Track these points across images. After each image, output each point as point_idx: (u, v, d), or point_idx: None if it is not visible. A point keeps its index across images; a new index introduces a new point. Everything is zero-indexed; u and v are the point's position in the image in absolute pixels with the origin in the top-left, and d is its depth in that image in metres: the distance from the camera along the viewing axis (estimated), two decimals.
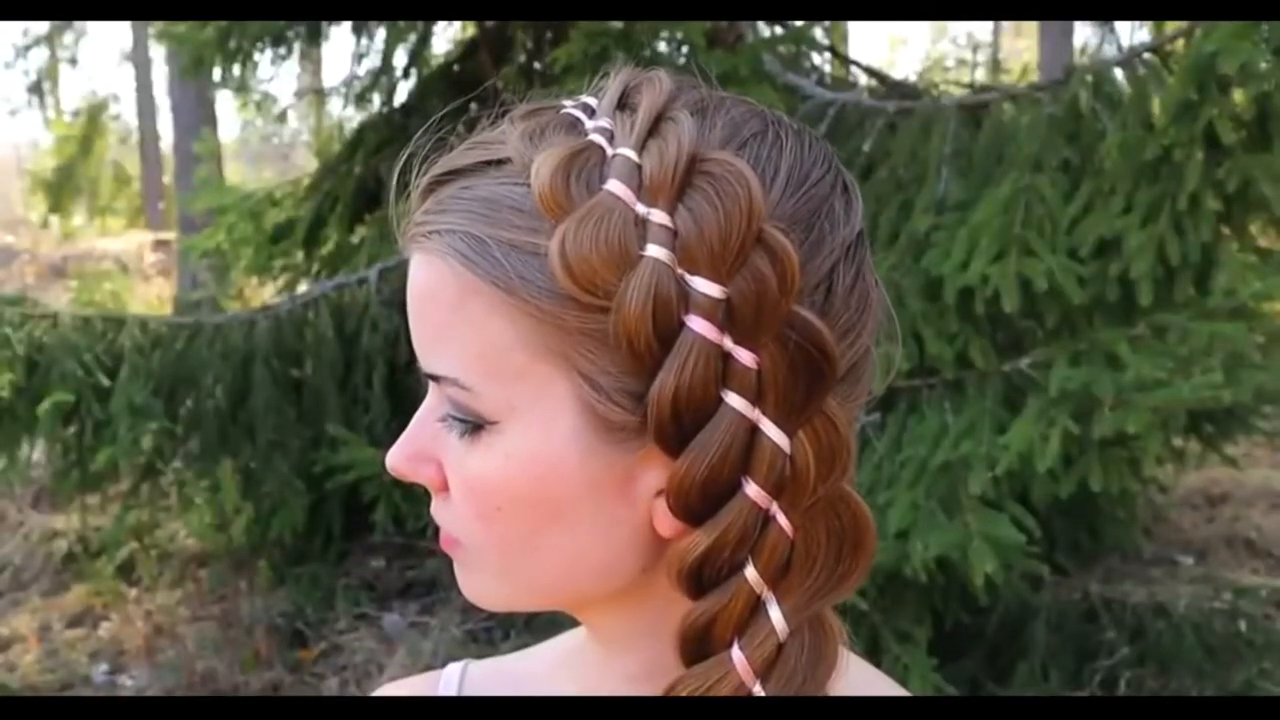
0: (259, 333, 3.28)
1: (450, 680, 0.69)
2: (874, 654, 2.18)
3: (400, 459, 0.56)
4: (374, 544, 3.35)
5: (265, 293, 4.33)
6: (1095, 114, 2.49)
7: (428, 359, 0.53)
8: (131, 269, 7.27)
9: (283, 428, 3.19)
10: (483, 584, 0.56)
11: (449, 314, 0.51)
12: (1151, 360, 2.10)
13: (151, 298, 5.76)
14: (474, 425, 0.52)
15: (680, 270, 0.48)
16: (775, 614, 0.50)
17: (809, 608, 0.50)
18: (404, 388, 3.21)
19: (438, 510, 0.56)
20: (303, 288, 3.61)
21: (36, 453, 3.49)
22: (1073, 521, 3.00)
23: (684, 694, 0.51)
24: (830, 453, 0.50)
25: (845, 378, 0.52)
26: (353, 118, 4.25)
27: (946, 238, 2.34)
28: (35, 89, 15.52)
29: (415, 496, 2.92)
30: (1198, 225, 2.20)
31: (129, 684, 3.12)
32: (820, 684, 0.51)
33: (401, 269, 0.56)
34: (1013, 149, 2.50)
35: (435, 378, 0.53)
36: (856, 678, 0.62)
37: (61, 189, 11.69)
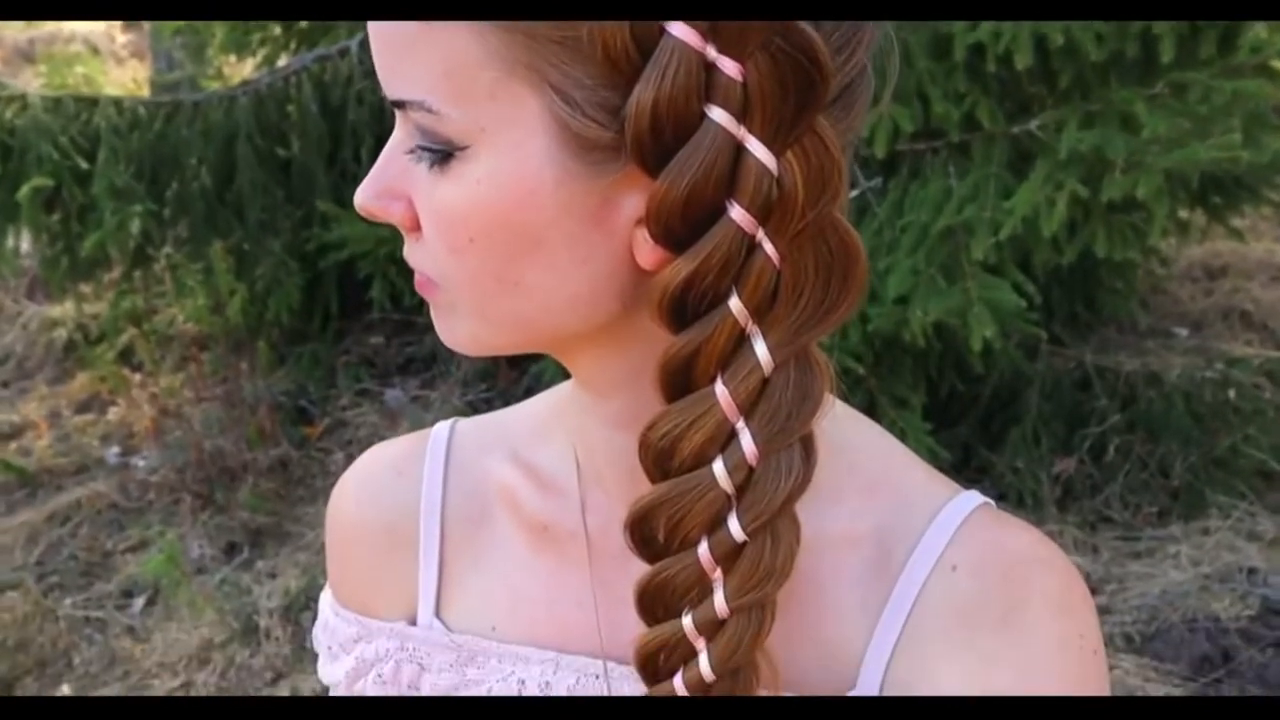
0: (240, 110, 3.17)
1: (439, 438, 0.68)
2: (870, 419, 2.20)
3: (368, 197, 0.52)
4: (372, 321, 3.36)
5: (245, 71, 4.16)
6: None
7: (391, 83, 0.50)
8: (103, 51, 6.98)
9: (272, 207, 3.13)
10: (460, 326, 0.54)
11: (414, 31, 0.47)
12: (1168, 120, 2.02)
13: (126, 81, 5.54)
14: (443, 154, 0.49)
15: None
16: (760, 348, 0.48)
17: (795, 341, 0.48)
18: None
19: (410, 252, 0.53)
20: (283, 62, 3.45)
21: (24, 243, 3.45)
22: (1071, 292, 3.00)
23: (663, 431, 0.49)
24: (820, 175, 0.46)
25: (838, 99, 0.48)
26: None
27: None
28: None
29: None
30: None
31: (141, 464, 3.20)
32: (805, 421, 0.49)
33: None
34: None
35: (401, 104, 0.49)
36: (850, 429, 0.60)
37: None
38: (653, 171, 0.46)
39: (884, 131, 2.13)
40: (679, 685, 0.53)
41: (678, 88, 0.44)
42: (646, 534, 0.51)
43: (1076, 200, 2.06)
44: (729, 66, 0.44)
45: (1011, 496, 2.60)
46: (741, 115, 0.45)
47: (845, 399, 0.61)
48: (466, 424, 0.69)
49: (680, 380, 0.49)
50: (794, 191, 0.46)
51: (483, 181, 0.49)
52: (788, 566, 0.50)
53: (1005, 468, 2.64)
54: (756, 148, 0.45)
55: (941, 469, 0.62)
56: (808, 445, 0.50)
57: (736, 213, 0.46)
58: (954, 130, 2.24)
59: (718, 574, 0.50)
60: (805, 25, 0.44)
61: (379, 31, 0.50)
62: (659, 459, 0.50)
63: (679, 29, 0.44)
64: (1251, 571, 2.41)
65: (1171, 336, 3.46)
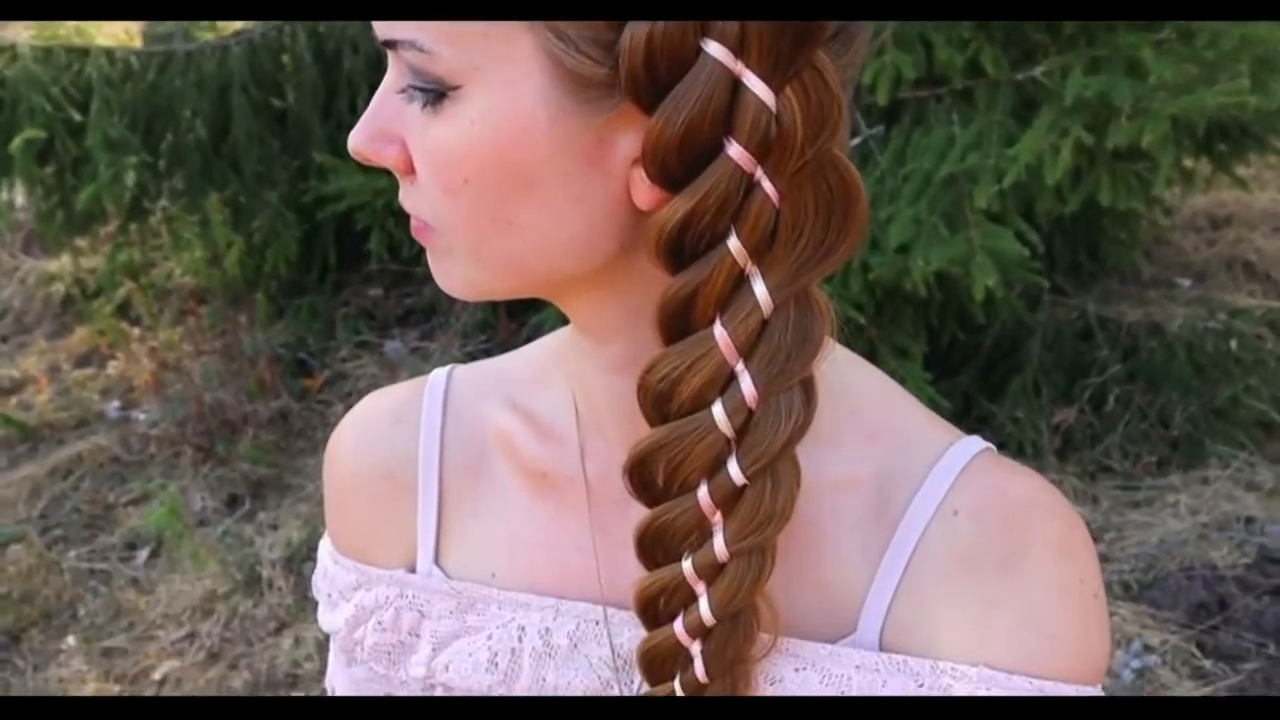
0: (234, 59, 3.13)
1: (437, 385, 0.68)
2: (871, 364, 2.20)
3: (361, 140, 0.52)
4: (370, 273, 3.34)
5: (238, 21, 4.10)
6: None
7: (387, 24, 0.48)
8: None
9: (268, 159, 3.10)
10: (457, 270, 0.53)
11: None
12: (1175, 65, 1.99)
13: (118, 31, 5.46)
14: (436, 94, 0.48)
15: None
16: (760, 288, 0.47)
17: (795, 282, 0.47)
18: None
19: (405, 196, 0.53)
20: None
21: (19, 196, 3.43)
22: (1074, 242, 2.98)
23: (662, 373, 0.48)
24: (820, 111, 0.45)
25: (837, 36, 0.47)
26: None
27: None
28: None
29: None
30: None
31: (141, 418, 3.20)
32: (806, 364, 0.48)
33: None
34: None
35: (392, 44, 0.48)
36: (851, 374, 0.59)
37: None
38: (648, 108, 0.45)
39: (886, 79, 2.10)
40: (679, 629, 0.53)
41: (672, 21, 0.44)
42: (646, 478, 0.50)
43: (1081, 148, 2.04)
44: None
45: (1011, 446, 2.60)
46: (739, 50, 0.44)
47: (848, 346, 0.60)
48: (464, 370, 0.69)
49: (679, 322, 0.48)
50: (793, 128, 0.45)
51: (476, 121, 0.48)
52: (788, 510, 0.50)
53: (1005, 417, 2.65)
54: (754, 83, 0.44)
55: (942, 418, 0.62)
56: (808, 388, 0.49)
57: (734, 150, 0.45)
58: (958, 77, 2.20)
59: (717, 517, 0.50)
60: None
61: None
62: (657, 402, 0.49)
63: None
64: (1249, 521, 2.42)
65: (1174, 287, 3.44)
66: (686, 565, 0.51)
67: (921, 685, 0.54)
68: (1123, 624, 2.15)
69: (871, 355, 2.24)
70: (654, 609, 0.53)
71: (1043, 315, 2.77)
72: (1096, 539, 2.39)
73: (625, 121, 0.47)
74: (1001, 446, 2.70)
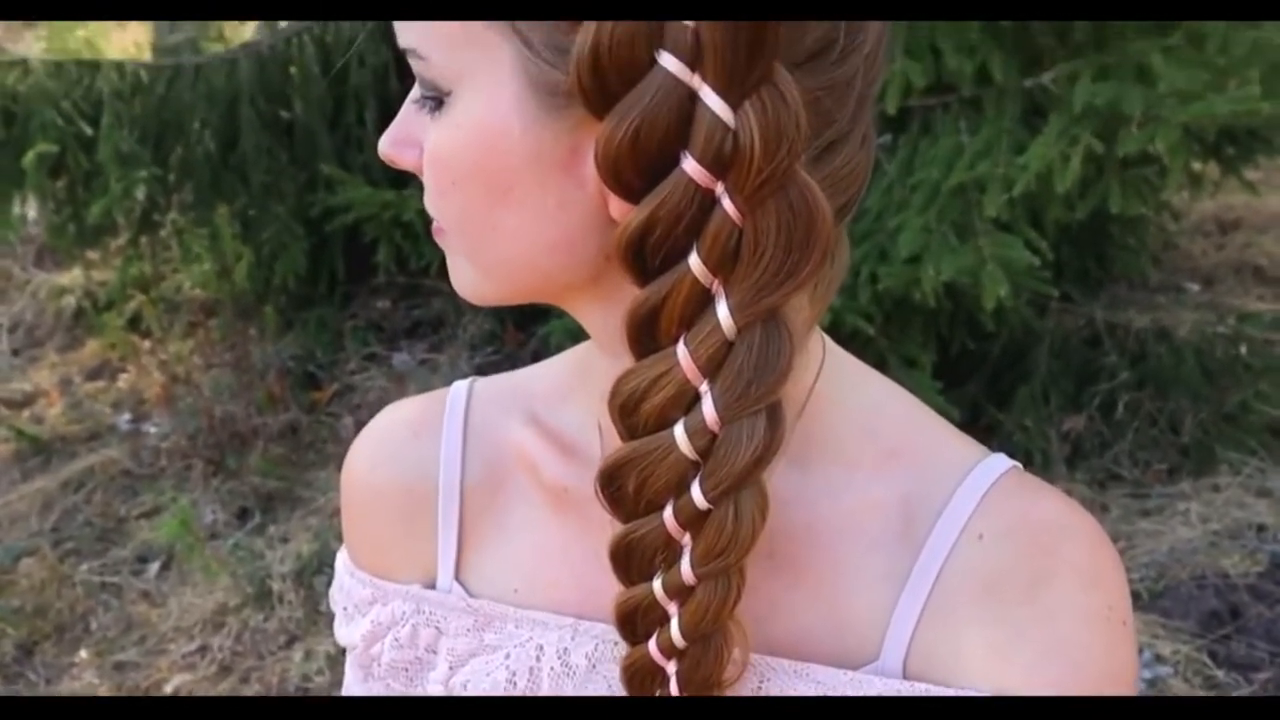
0: (242, 72, 3.14)
1: (457, 398, 0.67)
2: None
3: (386, 144, 0.55)
4: (378, 285, 3.35)
5: (247, 33, 4.12)
6: None
7: (399, 33, 0.51)
8: None
9: (276, 171, 3.12)
10: (462, 272, 0.55)
11: None
12: (1185, 72, 1.98)
13: (128, 44, 5.49)
14: (437, 99, 0.50)
15: None
16: (721, 309, 0.46)
17: (757, 304, 0.47)
18: None
19: (425, 198, 0.55)
20: (284, 24, 3.42)
21: (31, 210, 3.44)
22: (1082, 249, 2.97)
23: (629, 387, 0.48)
24: (778, 129, 0.44)
25: (818, 55, 0.47)
26: None
27: None
28: None
29: (416, 235, 2.89)
30: None
31: (152, 431, 3.21)
32: (771, 389, 0.47)
33: None
34: None
35: (405, 53, 0.51)
36: (868, 392, 0.59)
37: None
38: (598, 114, 0.46)
39: (895, 87, 2.10)
40: (653, 648, 0.52)
41: (622, 30, 0.44)
42: (616, 492, 0.50)
43: (1091, 155, 2.03)
44: None
45: (1021, 454, 2.60)
46: (693, 63, 0.44)
47: (858, 357, 0.60)
48: (485, 384, 0.68)
49: (645, 336, 0.48)
50: (750, 145, 0.44)
51: (460, 125, 0.50)
52: (749, 537, 0.49)
53: (1014, 426, 2.64)
54: (710, 97, 0.44)
55: (965, 433, 0.61)
56: (774, 413, 0.48)
57: (689, 164, 0.45)
58: (966, 85, 2.20)
59: (686, 538, 0.50)
60: None
61: None
62: (624, 415, 0.49)
63: None
64: (1261, 528, 2.41)
65: (1182, 292, 3.43)
66: (657, 584, 0.51)
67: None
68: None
69: (880, 366, 2.23)
70: (631, 625, 0.53)
71: (1050, 322, 2.77)
72: None
73: (591, 130, 0.47)
74: (1011, 455, 2.67)
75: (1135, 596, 2.26)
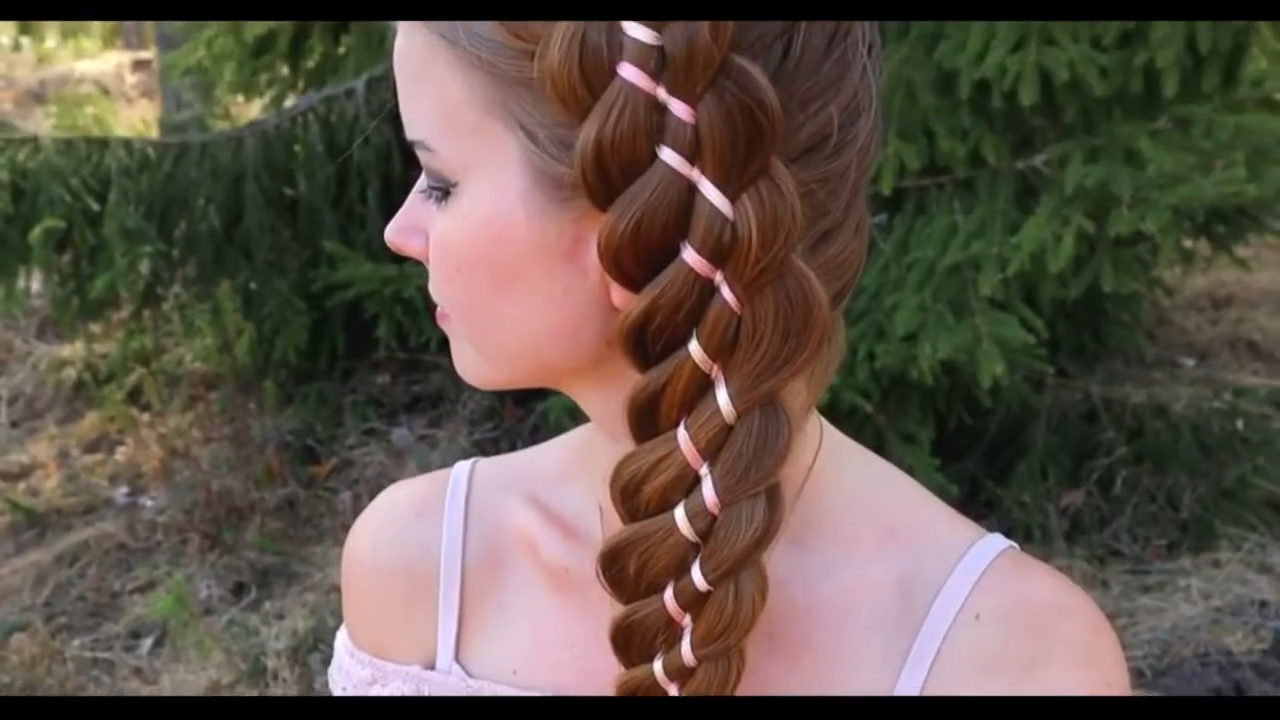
0: (247, 150, 3.20)
1: (459, 480, 0.68)
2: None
3: (393, 232, 0.57)
4: (378, 360, 3.36)
5: (253, 111, 4.21)
6: None
7: (408, 125, 0.53)
8: (113, 92, 7.05)
9: (279, 247, 3.16)
10: (465, 356, 0.57)
11: (416, 75, 0.52)
12: (1173, 155, 2.03)
13: (136, 121, 5.60)
14: (443, 190, 0.52)
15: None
16: (721, 394, 0.48)
17: (756, 389, 0.48)
18: (399, 203, 3.15)
19: (430, 285, 0.57)
20: (290, 103, 3.49)
21: (35, 283, 3.48)
22: (1077, 324, 3.00)
23: (631, 470, 0.50)
24: (774, 220, 0.46)
25: (813, 150, 0.49)
26: None
27: (962, 28, 2.22)
28: None
29: (416, 311, 2.92)
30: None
31: (149, 504, 3.20)
32: (769, 473, 0.49)
33: (390, 79, 0.55)
34: None
35: (414, 145, 0.53)
36: (866, 474, 0.60)
37: None
38: (601, 206, 0.48)
39: (890, 168, 2.14)
40: None
41: (624, 126, 0.46)
42: (617, 573, 0.51)
43: (1083, 235, 2.07)
44: (679, 108, 0.45)
45: (1019, 530, 2.59)
46: (693, 157, 0.46)
47: (856, 435, 0.61)
48: (487, 465, 0.69)
49: (645, 420, 0.49)
50: (748, 235, 0.46)
51: (467, 216, 0.51)
52: (749, 618, 0.50)
53: (1012, 501, 2.63)
54: (709, 190, 0.46)
55: (948, 504, 0.62)
56: (773, 496, 0.49)
57: (689, 254, 0.47)
58: (959, 166, 2.25)
59: (686, 620, 0.51)
60: (755, 71, 0.45)
61: (396, 76, 0.53)
62: (625, 498, 0.50)
63: (628, 70, 0.45)
64: (1263, 605, 2.39)
65: (1178, 367, 3.45)
66: (657, 666, 0.51)
67: None
68: None
69: (879, 442, 2.24)
70: None
71: (1047, 398, 2.78)
72: None
73: (595, 221, 0.49)
74: (1009, 531, 2.68)
75: (1138, 674, 2.23)
